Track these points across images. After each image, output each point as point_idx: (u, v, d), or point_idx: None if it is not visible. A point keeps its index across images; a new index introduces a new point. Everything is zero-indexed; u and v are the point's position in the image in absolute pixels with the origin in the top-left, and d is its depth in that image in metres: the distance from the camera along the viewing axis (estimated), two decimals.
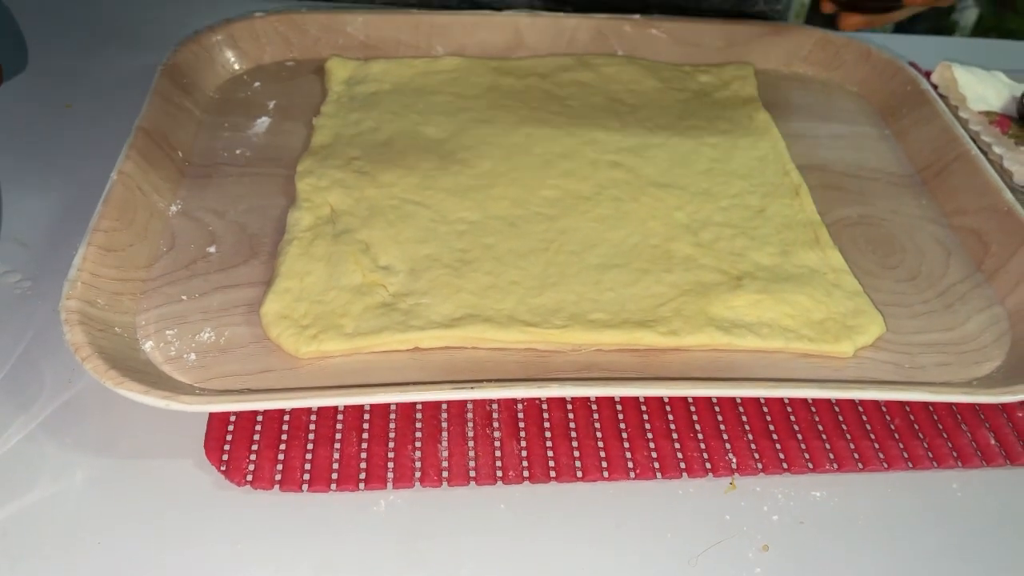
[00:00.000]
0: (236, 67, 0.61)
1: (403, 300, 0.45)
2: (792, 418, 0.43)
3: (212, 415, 0.40)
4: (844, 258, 0.50)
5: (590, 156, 0.56)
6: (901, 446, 0.42)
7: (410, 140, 0.56)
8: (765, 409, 0.43)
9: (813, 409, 0.43)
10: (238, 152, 0.54)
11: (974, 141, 0.58)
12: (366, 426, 0.40)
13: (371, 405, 0.41)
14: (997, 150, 0.58)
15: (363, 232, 0.49)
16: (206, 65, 0.59)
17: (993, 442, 0.42)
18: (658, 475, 0.40)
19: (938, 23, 1.70)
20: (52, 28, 0.66)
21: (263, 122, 0.57)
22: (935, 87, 0.64)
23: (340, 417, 0.41)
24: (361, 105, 0.58)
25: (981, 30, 1.72)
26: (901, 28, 1.10)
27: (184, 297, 0.45)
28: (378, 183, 0.52)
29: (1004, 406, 0.44)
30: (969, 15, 1.75)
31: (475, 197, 0.52)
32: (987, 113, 0.62)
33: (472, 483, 0.39)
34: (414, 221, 0.50)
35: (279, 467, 0.39)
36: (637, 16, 0.65)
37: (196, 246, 0.48)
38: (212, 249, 0.48)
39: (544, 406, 0.42)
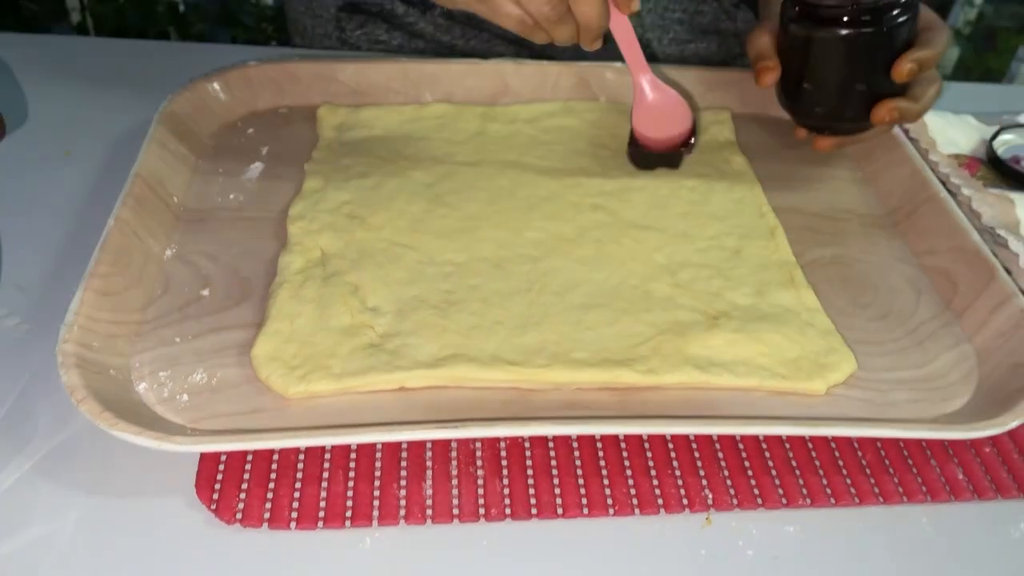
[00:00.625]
0: (230, 114, 0.63)
1: (390, 341, 0.47)
2: (767, 454, 0.44)
3: (203, 455, 0.41)
4: (818, 297, 0.52)
5: (573, 199, 0.58)
6: (872, 481, 0.43)
7: (399, 184, 0.58)
8: (741, 446, 0.44)
9: (787, 445, 0.44)
10: (232, 197, 0.56)
11: (944, 184, 0.60)
12: (353, 464, 0.42)
13: (357, 445, 0.42)
14: (966, 192, 0.60)
15: (352, 274, 0.50)
16: (201, 112, 0.61)
17: (961, 477, 0.44)
18: (636, 511, 0.41)
19: None
20: (51, 78, 0.68)
21: (256, 167, 0.59)
22: (906, 131, 0.66)
23: (327, 456, 0.42)
24: (352, 150, 0.60)
25: (962, 69, 1.77)
26: None
27: (177, 339, 0.46)
28: (367, 226, 0.54)
29: (972, 442, 0.46)
30: (950, 54, 1.80)
31: (461, 239, 0.54)
32: (957, 156, 0.64)
33: (455, 520, 0.40)
34: (402, 263, 0.52)
35: (268, 505, 0.40)
36: (619, 64, 0.67)
37: (190, 289, 0.49)
38: (205, 292, 0.49)
39: (526, 444, 0.43)
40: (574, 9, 0.49)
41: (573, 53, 0.71)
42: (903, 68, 0.53)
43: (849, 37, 0.53)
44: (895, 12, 0.52)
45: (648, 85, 0.58)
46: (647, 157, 0.60)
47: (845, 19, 0.53)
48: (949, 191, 0.59)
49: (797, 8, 0.55)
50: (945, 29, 0.55)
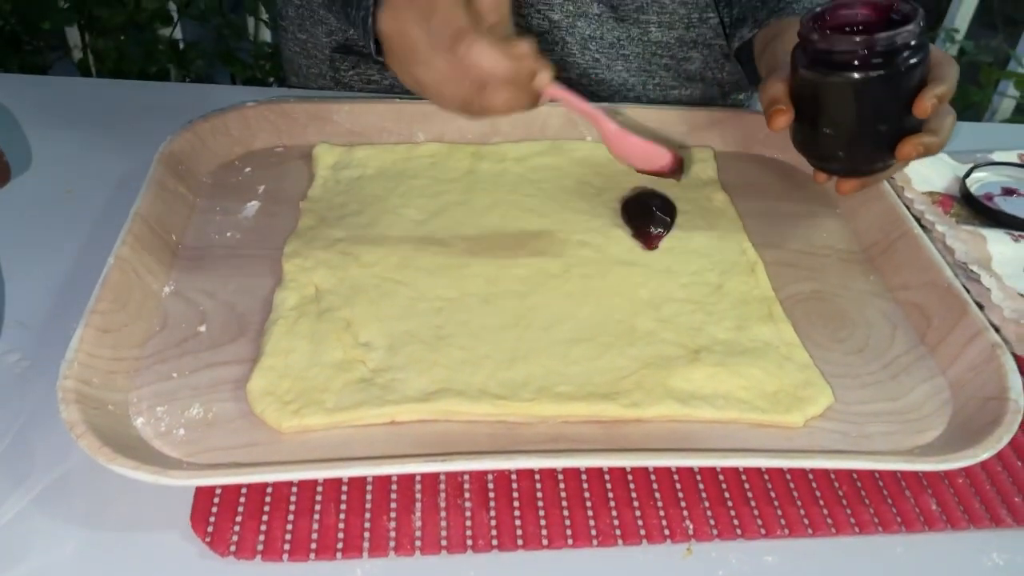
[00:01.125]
0: (228, 153, 0.65)
1: (381, 375, 0.48)
2: (746, 485, 0.45)
3: (199, 488, 0.42)
4: (796, 332, 0.53)
5: (559, 236, 0.59)
6: (848, 512, 0.44)
7: (391, 221, 0.59)
8: (721, 477, 0.46)
9: (766, 477, 0.46)
10: (229, 235, 0.58)
11: (918, 220, 0.62)
12: (344, 497, 0.43)
13: (349, 478, 0.43)
14: (940, 228, 0.62)
15: (345, 310, 0.52)
16: (200, 152, 0.63)
17: (935, 508, 0.45)
18: (619, 542, 0.42)
19: None
20: (53, 119, 0.69)
21: (253, 205, 0.61)
22: None
23: (320, 489, 0.43)
24: (346, 189, 0.62)
25: None
26: None
27: (175, 375, 0.48)
28: (361, 263, 0.56)
29: (946, 473, 0.47)
30: None
31: (452, 275, 0.55)
32: (930, 193, 0.66)
33: (443, 552, 0.41)
34: (394, 299, 0.53)
35: (261, 537, 0.41)
36: (605, 104, 0.69)
37: (187, 325, 0.51)
38: (202, 328, 0.51)
39: (513, 476, 0.44)
40: (486, 101, 0.49)
41: None
42: (926, 105, 0.52)
43: (867, 81, 0.52)
44: (910, 51, 0.52)
45: (612, 135, 0.56)
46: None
47: (860, 63, 0.52)
48: (923, 227, 0.61)
49: (809, 54, 0.54)
50: (954, 63, 0.55)
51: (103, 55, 1.41)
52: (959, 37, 1.74)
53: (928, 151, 0.54)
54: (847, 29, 0.55)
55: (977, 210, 0.64)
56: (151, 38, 1.46)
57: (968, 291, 0.55)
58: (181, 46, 1.47)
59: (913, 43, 0.52)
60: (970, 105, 1.75)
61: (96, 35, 1.41)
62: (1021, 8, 2.44)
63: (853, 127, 0.55)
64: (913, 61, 0.52)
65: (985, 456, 0.44)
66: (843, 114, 0.55)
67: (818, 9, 0.55)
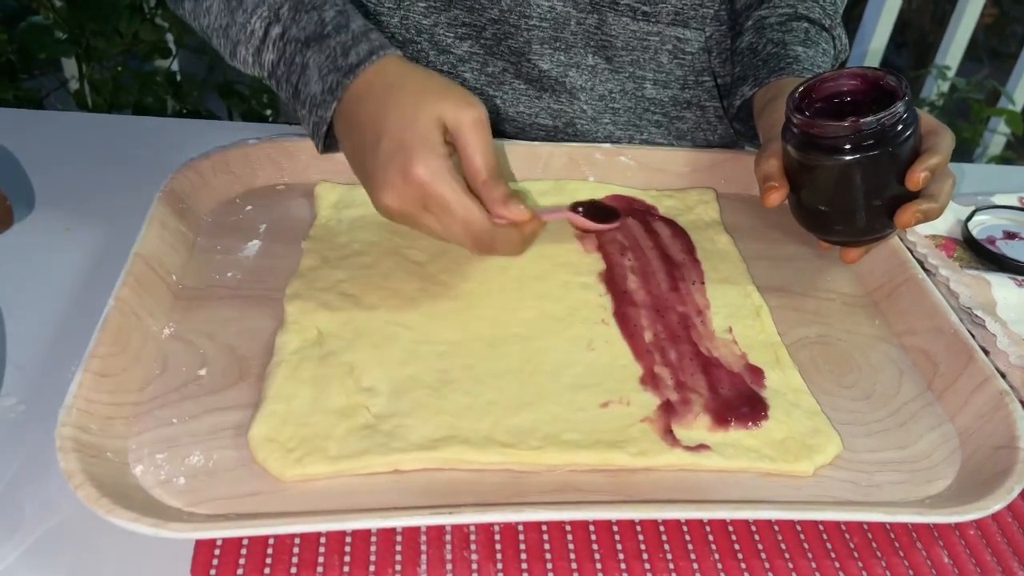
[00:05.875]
0: (229, 191, 0.64)
1: (385, 421, 0.47)
2: (756, 536, 0.45)
3: (199, 540, 0.41)
4: (803, 377, 0.53)
5: (563, 278, 0.59)
6: (860, 565, 0.44)
7: (394, 263, 0.59)
8: (731, 528, 0.45)
9: (776, 528, 0.45)
10: (229, 275, 0.57)
11: (922, 264, 0.62)
12: (348, 549, 0.42)
13: (353, 530, 0.43)
14: (943, 272, 0.62)
15: (348, 354, 0.51)
16: (201, 190, 0.63)
17: (947, 560, 0.45)
18: None
19: None
20: (51, 156, 0.69)
21: (254, 245, 0.60)
22: None
23: (323, 541, 0.42)
24: (348, 228, 0.62)
25: None
26: None
27: (175, 420, 0.47)
28: (363, 305, 0.55)
29: (957, 525, 0.46)
30: None
31: (456, 318, 0.55)
32: (933, 237, 0.66)
33: None
34: (397, 343, 0.52)
35: None
36: (607, 145, 0.69)
37: (187, 369, 0.50)
38: (203, 372, 0.50)
39: (520, 528, 0.44)
40: (495, 242, 0.53)
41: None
42: (917, 178, 0.53)
43: (856, 163, 0.53)
44: (899, 129, 0.52)
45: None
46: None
47: (848, 146, 0.52)
48: (927, 271, 0.61)
49: (796, 135, 0.54)
50: (948, 131, 0.56)
51: (99, 86, 1.41)
52: (950, 74, 1.76)
53: (927, 217, 0.55)
54: (835, 100, 0.56)
55: (980, 254, 0.64)
56: (148, 70, 1.46)
57: (974, 337, 0.55)
58: (178, 78, 1.48)
59: (901, 119, 0.53)
60: (961, 142, 1.78)
61: (93, 66, 1.41)
62: (1006, 42, 2.48)
63: (847, 204, 0.56)
64: (902, 138, 0.53)
65: (997, 508, 0.44)
66: (836, 193, 0.56)
67: (802, 87, 0.56)
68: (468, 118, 0.52)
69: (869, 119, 0.52)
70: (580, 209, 0.62)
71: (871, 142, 0.52)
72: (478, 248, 0.53)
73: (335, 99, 0.54)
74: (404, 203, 0.52)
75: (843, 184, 0.55)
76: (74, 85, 1.43)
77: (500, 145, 0.68)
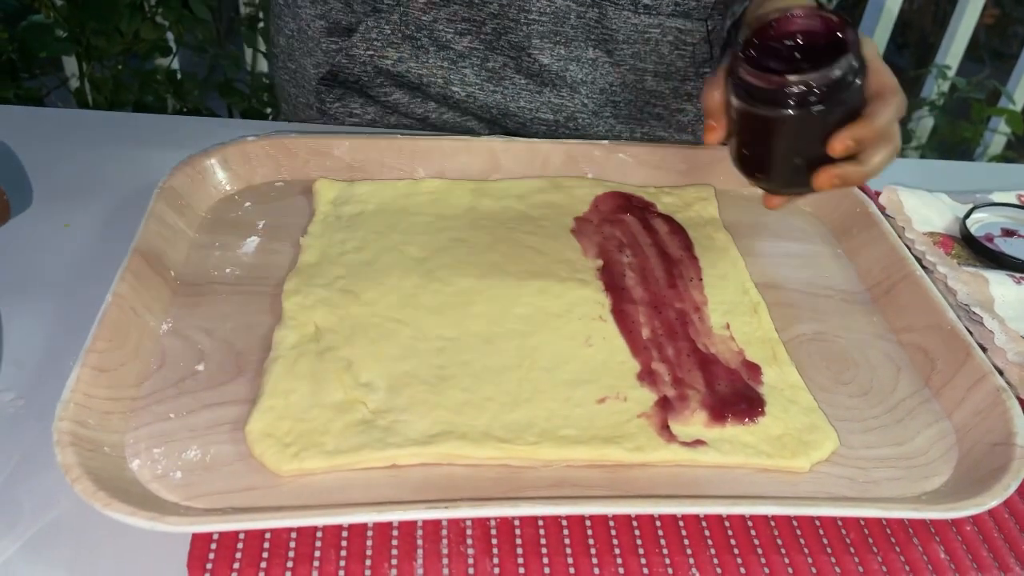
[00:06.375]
0: (228, 188, 0.64)
1: (382, 417, 0.47)
2: (752, 532, 0.45)
3: (195, 534, 0.41)
4: (800, 374, 0.53)
5: (561, 275, 0.59)
6: (856, 560, 0.44)
7: (392, 259, 0.59)
8: (727, 524, 0.45)
9: (772, 523, 0.45)
10: (228, 271, 0.57)
11: (919, 261, 0.62)
12: (344, 543, 0.42)
13: (349, 524, 0.43)
14: (941, 270, 0.62)
15: (345, 350, 0.51)
16: (199, 187, 0.63)
17: (943, 556, 0.45)
18: None
19: None
20: (51, 152, 0.69)
21: (252, 241, 0.60)
22: (883, 209, 0.69)
23: (319, 535, 0.42)
24: (346, 225, 0.62)
25: (936, 139, 1.82)
26: None
27: (172, 415, 0.47)
28: (361, 301, 0.55)
29: (953, 521, 0.46)
30: (925, 124, 1.86)
31: (453, 314, 0.55)
32: (931, 234, 0.66)
33: None
34: (395, 338, 0.53)
35: None
36: (606, 142, 0.69)
37: (185, 364, 0.50)
38: (200, 367, 0.50)
39: (516, 523, 0.44)
40: None
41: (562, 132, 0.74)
42: (836, 147, 0.51)
43: (782, 118, 0.51)
44: (829, 92, 0.50)
45: None
46: None
47: (776, 101, 0.51)
48: (925, 268, 0.61)
49: (735, 78, 0.53)
50: (895, 97, 0.53)
51: (100, 85, 1.41)
52: (951, 74, 1.76)
53: (847, 182, 0.53)
54: (787, 42, 0.53)
55: (978, 251, 0.64)
56: (149, 68, 1.46)
57: (971, 333, 0.55)
58: (178, 76, 1.48)
59: (833, 83, 0.50)
60: (961, 141, 1.77)
61: (93, 64, 1.41)
62: (1008, 42, 2.48)
63: (769, 156, 0.55)
64: (831, 102, 0.50)
65: (993, 504, 0.44)
66: (760, 143, 0.54)
67: (755, 27, 0.53)
68: None
69: (797, 78, 0.49)
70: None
71: (801, 100, 0.50)
72: None
73: None
74: None
75: (767, 137, 0.53)
76: (75, 84, 1.43)
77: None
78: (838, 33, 0.52)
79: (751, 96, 0.52)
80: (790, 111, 0.51)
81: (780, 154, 0.54)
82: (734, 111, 0.54)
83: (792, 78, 0.50)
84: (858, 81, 0.51)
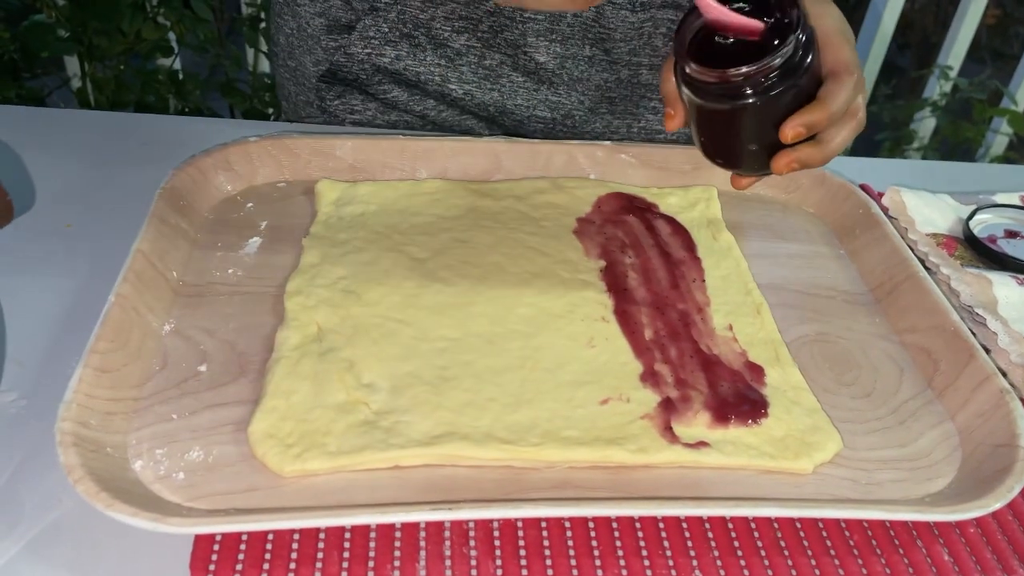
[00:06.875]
0: (230, 188, 0.64)
1: (385, 418, 0.47)
2: (756, 534, 0.45)
3: (198, 536, 0.41)
4: (803, 375, 0.53)
5: (563, 275, 0.59)
6: (860, 563, 0.44)
7: (394, 260, 0.59)
8: (730, 525, 0.45)
9: (776, 525, 0.45)
10: (230, 271, 0.57)
11: (922, 262, 0.62)
12: (347, 545, 0.42)
13: (352, 525, 0.42)
14: (945, 271, 0.62)
15: (348, 350, 0.51)
16: (201, 187, 0.63)
17: (947, 558, 0.44)
18: None
19: (897, 133, 1.80)
20: (53, 152, 0.69)
21: (255, 242, 0.60)
22: (886, 210, 0.69)
23: (322, 536, 0.42)
24: (348, 225, 0.62)
25: (938, 139, 1.82)
26: (861, 142, 1.16)
27: (174, 416, 0.47)
28: (363, 302, 0.55)
29: (957, 523, 0.46)
30: (927, 124, 1.86)
31: (455, 315, 0.55)
32: (934, 235, 0.66)
33: None
34: (397, 339, 0.52)
35: None
36: (608, 142, 0.69)
37: (187, 365, 0.50)
38: (203, 368, 0.50)
39: (519, 524, 0.44)
40: None
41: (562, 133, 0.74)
42: (787, 134, 0.50)
43: (730, 110, 0.50)
44: (776, 79, 0.49)
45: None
46: None
47: (722, 94, 0.50)
48: (928, 270, 0.61)
49: (681, 72, 0.52)
50: (852, 76, 0.51)
51: (102, 85, 1.41)
52: (953, 74, 1.76)
53: (806, 165, 0.52)
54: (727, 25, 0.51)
55: (981, 253, 0.64)
56: (150, 68, 1.46)
57: (975, 335, 0.55)
58: (180, 76, 1.48)
59: (779, 70, 0.49)
60: (963, 142, 1.77)
61: (95, 64, 1.41)
62: (1009, 43, 2.48)
63: (724, 143, 0.55)
64: (778, 89, 0.49)
65: (997, 506, 0.44)
66: (713, 130, 0.54)
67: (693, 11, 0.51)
68: None
69: (738, 72, 0.49)
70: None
71: (745, 92, 0.49)
72: None
73: None
74: None
75: (718, 127, 0.53)
76: (76, 84, 1.43)
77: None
78: (783, 9, 0.50)
79: (697, 90, 0.51)
80: (737, 102, 0.50)
81: (735, 141, 0.54)
82: (686, 101, 0.53)
83: (732, 72, 0.49)
84: (808, 60, 0.50)
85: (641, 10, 0.68)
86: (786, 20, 0.50)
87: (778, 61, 0.49)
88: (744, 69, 0.48)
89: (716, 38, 0.51)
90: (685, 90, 0.52)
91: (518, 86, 0.71)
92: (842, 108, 0.51)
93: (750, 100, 0.50)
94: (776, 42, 0.49)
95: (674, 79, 0.54)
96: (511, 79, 0.70)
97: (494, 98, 0.71)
